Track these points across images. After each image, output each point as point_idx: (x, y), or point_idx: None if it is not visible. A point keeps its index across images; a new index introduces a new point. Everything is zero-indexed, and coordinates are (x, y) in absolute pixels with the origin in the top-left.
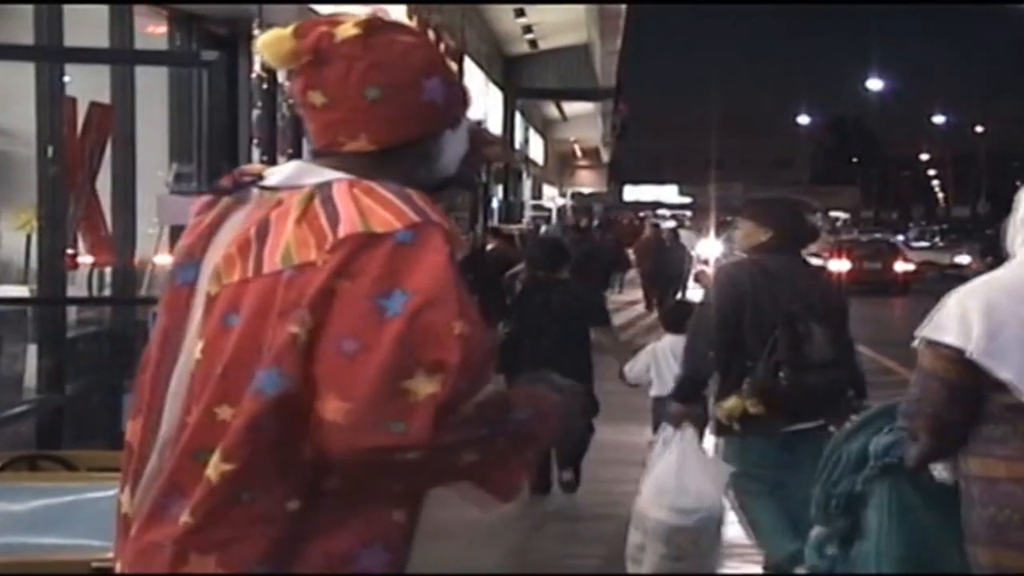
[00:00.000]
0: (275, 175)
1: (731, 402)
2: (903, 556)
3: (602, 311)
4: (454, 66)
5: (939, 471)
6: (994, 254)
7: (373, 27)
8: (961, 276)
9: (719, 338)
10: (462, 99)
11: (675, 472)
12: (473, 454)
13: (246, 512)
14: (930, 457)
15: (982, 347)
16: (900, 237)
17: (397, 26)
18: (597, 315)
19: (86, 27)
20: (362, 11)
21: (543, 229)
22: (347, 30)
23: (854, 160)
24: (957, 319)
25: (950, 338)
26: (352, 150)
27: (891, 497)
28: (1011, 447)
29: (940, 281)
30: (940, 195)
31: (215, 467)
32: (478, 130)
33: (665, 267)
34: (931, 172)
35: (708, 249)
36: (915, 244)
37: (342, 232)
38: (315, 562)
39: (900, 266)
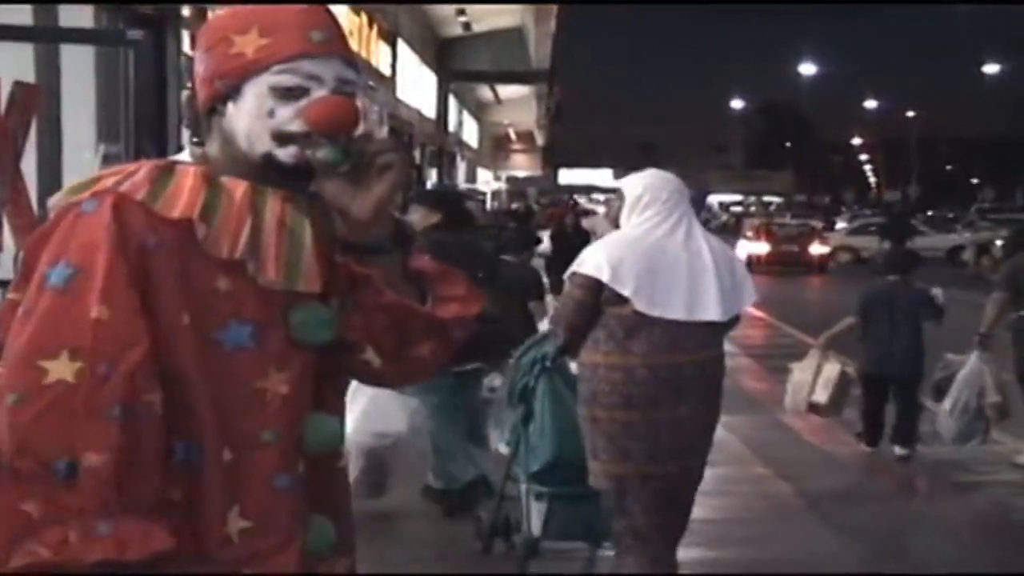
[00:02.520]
0: None
1: None
2: (557, 427)
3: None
4: (386, 48)
5: (574, 365)
6: (892, 237)
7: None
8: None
9: None
10: (229, 71)
11: (372, 402)
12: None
13: None
14: (566, 350)
15: (608, 275)
16: (844, 224)
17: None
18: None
19: (10, 4)
20: None
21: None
22: None
23: (787, 145)
24: (591, 259)
25: (586, 270)
26: None
27: (548, 387)
28: (608, 345)
29: (856, 264)
30: (872, 179)
31: None
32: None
33: (563, 251)
34: (863, 157)
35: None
36: (847, 228)
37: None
38: None
39: (816, 249)
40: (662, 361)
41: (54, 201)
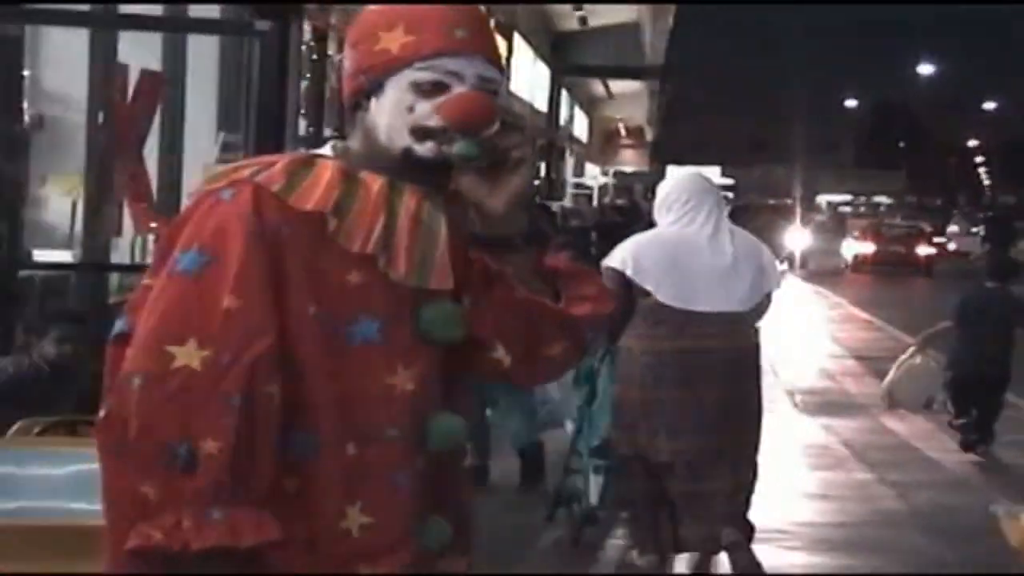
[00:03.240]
0: None
1: None
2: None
3: None
4: (502, 42)
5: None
6: (995, 242)
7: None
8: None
9: None
10: (373, 67)
11: None
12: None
13: None
14: (611, 339)
15: (631, 269)
16: (955, 228)
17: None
18: None
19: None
20: None
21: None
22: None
23: (900, 145)
24: (619, 254)
25: (612, 263)
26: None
27: (608, 369)
28: (640, 330)
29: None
30: (987, 182)
31: None
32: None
33: None
34: (978, 159)
35: None
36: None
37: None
38: None
39: (922, 250)
40: (687, 346)
41: (195, 190)
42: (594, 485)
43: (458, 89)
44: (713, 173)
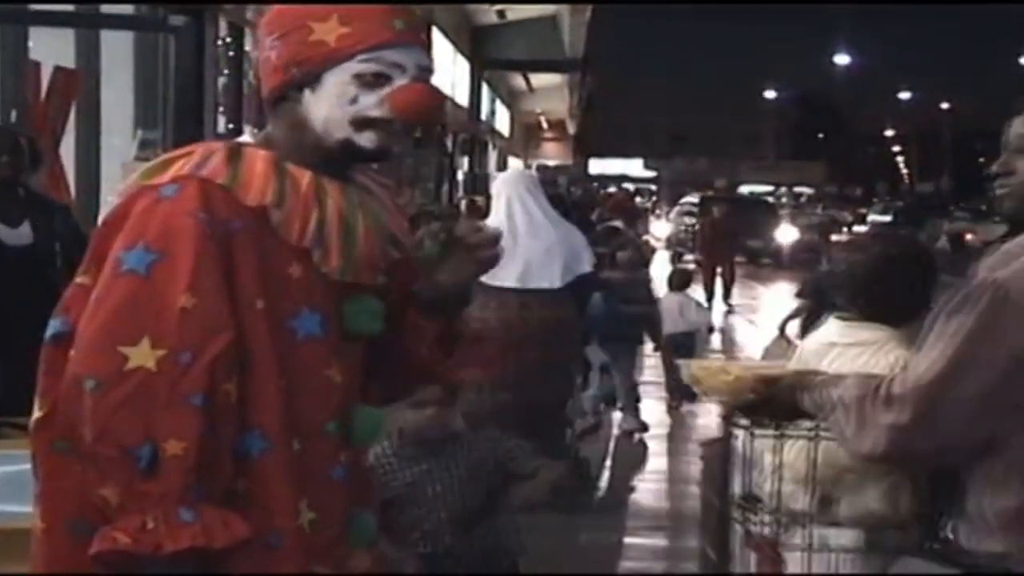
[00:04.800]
0: None
1: None
2: None
3: None
4: (427, 31)
5: None
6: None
7: None
8: None
9: None
10: (310, 58)
11: None
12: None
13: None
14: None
15: None
16: (877, 217)
17: None
18: None
19: None
20: None
21: None
22: None
23: (820, 136)
24: None
25: None
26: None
27: None
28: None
29: None
30: (905, 171)
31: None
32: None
33: None
34: (896, 148)
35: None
36: (879, 220)
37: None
38: None
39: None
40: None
41: (125, 186)
42: None
43: (400, 80)
44: (636, 166)
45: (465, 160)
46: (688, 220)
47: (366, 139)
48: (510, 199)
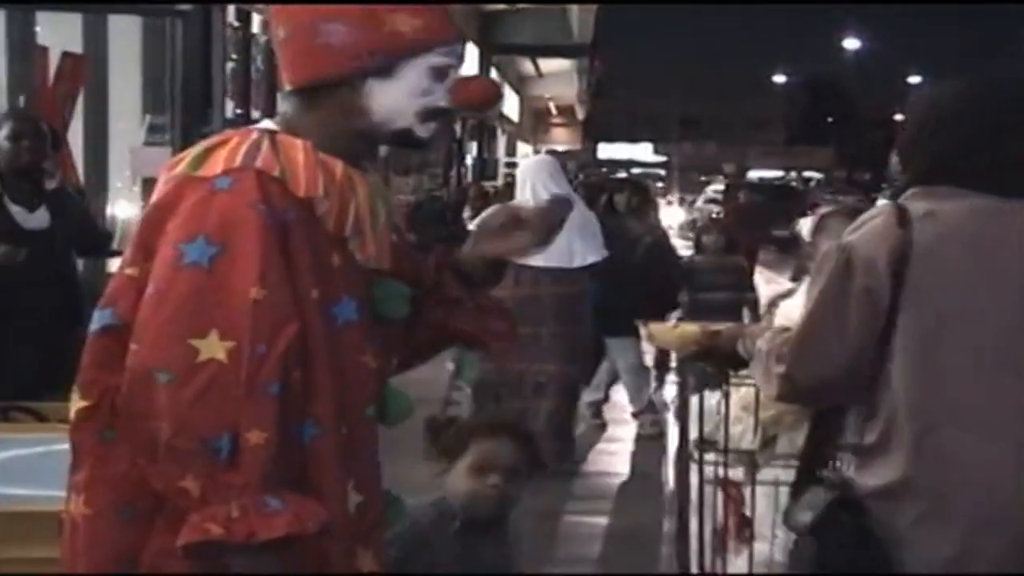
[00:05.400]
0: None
1: None
2: None
3: None
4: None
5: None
6: None
7: None
8: None
9: None
10: (386, 48)
11: None
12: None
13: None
14: None
15: None
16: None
17: None
18: None
19: None
20: None
21: None
22: None
23: (829, 120)
24: None
25: None
26: (288, 91)
27: None
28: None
29: None
30: None
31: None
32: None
33: None
34: None
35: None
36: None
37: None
38: None
39: None
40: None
41: (169, 174)
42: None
43: (454, 72)
44: (645, 150)
45: (474, 145)
46: (714, 208)
47: (425, 129)
48: (535, 185)
